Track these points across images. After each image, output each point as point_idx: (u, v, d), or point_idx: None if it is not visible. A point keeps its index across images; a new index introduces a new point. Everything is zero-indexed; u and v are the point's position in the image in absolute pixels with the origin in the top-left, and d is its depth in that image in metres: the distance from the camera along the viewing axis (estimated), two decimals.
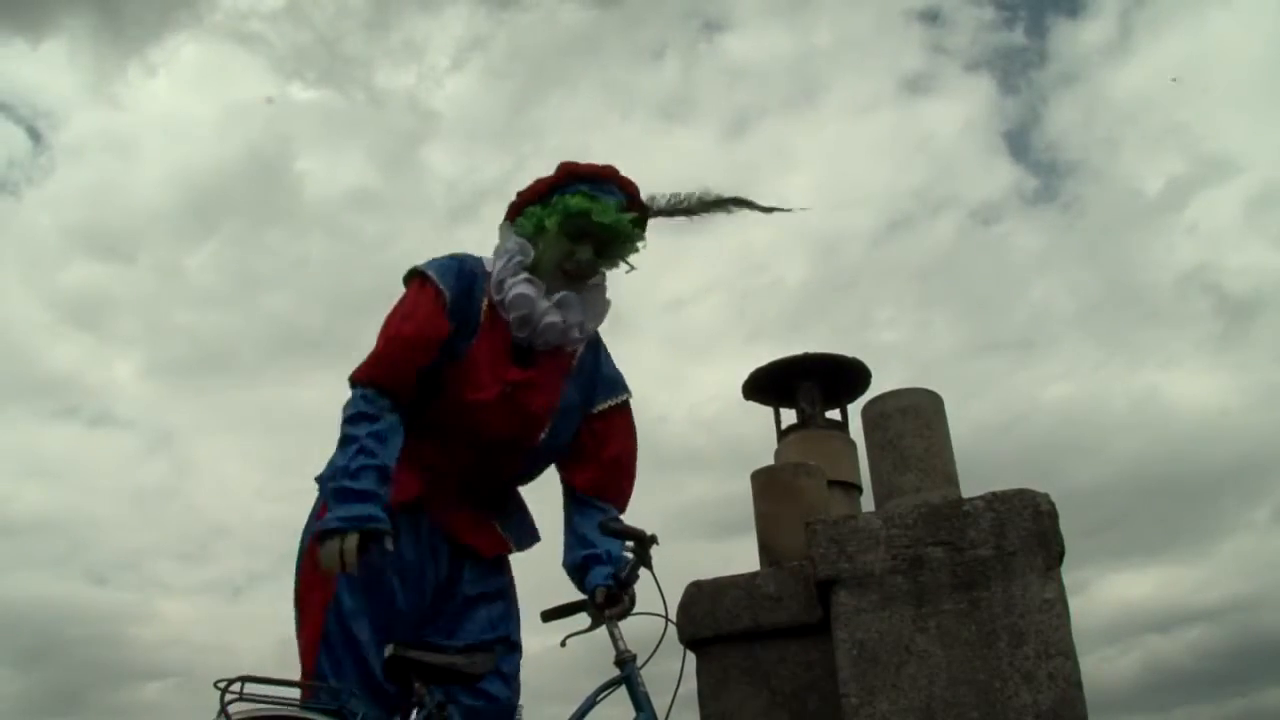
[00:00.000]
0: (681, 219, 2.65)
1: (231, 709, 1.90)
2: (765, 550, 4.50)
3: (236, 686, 1.91)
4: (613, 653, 2.21)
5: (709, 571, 4.37)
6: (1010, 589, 3.40)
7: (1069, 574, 3.46)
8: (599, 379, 2.51)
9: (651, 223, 2.54)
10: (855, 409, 6.44)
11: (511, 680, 2.41)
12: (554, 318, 2.35)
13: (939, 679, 3.38)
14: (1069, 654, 3.32)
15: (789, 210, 2.75)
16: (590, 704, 2.23)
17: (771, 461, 6.03)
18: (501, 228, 2.50)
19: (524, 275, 2.36)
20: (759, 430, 7.67)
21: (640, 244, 2.51)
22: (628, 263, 2.49)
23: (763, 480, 4.70)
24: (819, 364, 7.15)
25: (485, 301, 2.37)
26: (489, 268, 2.41)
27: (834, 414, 7.31)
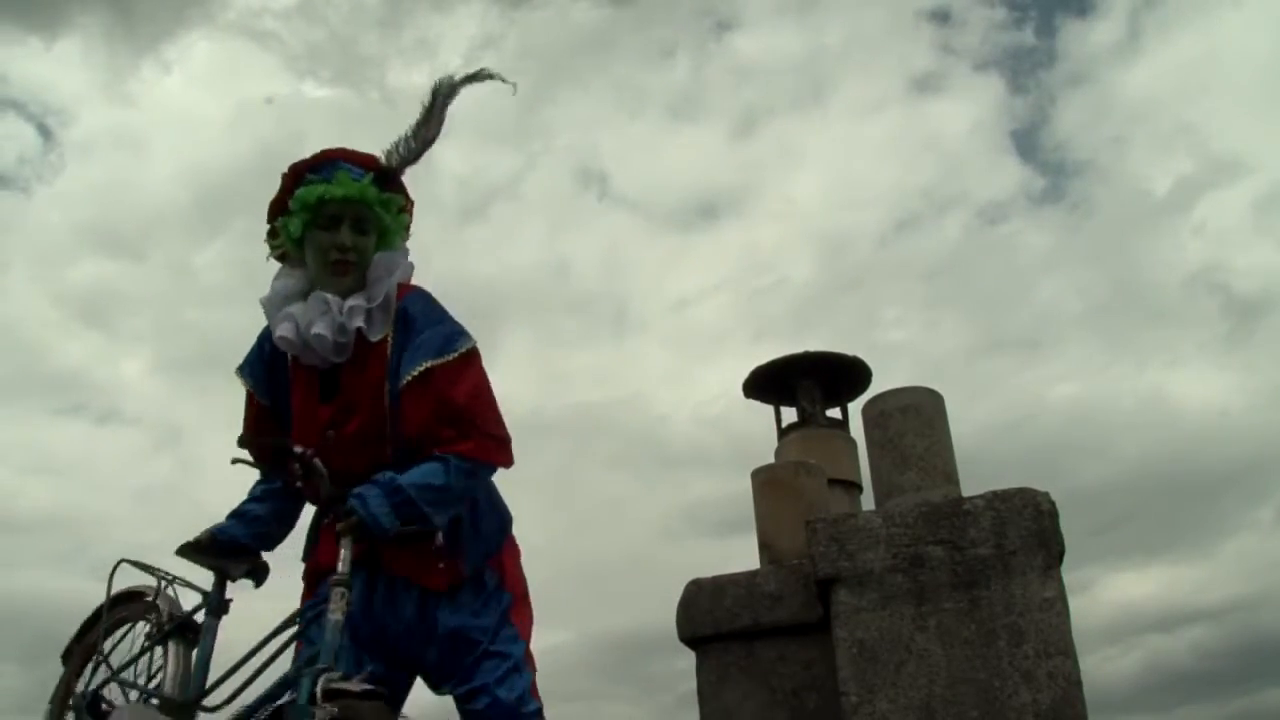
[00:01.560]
0: (424, 148, 2.38)
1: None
2: (765, 548, 4.51)
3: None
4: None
5: (709, 570, 4.38)
6: (1010, 588, 3.41)
7: (1072, 573, 3.47)
8: (406, 354, 2.22)
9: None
10: (856, 407, 6.46)
11: (507, 683, 2.26)
12: (320, 329, 2.18)
13: (939, 678, 3.38)
14: (1069, 653, 3.32)
15: (494, 78, 2.42)
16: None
17: (772, 460, 6.04)
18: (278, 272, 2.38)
19: (284, 312, 2.23)
20: (761, 429, 7.67)
21: (399, 200, 2.34)
22: (390, 216, 2.30)
23: (763, 478, 4.71)
24: (819, 362, 7.15)
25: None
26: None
27: (834, 412, 7.31)
